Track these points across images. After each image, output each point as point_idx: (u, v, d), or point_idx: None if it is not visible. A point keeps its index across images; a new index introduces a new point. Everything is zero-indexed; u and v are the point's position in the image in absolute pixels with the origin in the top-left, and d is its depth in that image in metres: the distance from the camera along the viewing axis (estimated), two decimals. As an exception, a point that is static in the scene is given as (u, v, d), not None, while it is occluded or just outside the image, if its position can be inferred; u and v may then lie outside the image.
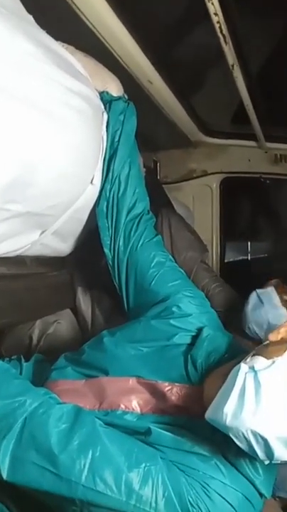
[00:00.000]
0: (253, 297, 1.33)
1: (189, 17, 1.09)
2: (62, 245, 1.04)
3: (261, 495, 0.68)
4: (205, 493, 0.62)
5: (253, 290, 1.39)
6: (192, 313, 0.85)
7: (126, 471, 0.60)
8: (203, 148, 2.08)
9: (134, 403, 0.74)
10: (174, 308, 0.85)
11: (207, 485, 0.63)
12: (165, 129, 1.79)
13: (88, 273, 1.16)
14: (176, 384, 0.75)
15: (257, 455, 0.61)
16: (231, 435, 0.61)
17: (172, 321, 0.83)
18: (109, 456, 0.61)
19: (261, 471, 0.67)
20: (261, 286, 1.52)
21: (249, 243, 2.47)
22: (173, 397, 0.73)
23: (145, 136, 1.88)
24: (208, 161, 2.15)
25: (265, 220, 2.47)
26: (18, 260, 0.96)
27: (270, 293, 1.33)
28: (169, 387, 0.75)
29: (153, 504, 0.59)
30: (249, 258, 2.49)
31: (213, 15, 0.97)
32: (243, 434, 0.59)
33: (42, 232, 0.92)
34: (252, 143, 1.93)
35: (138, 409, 0.74)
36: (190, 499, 0.61)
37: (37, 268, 1.02)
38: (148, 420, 0.71)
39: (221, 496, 0.63)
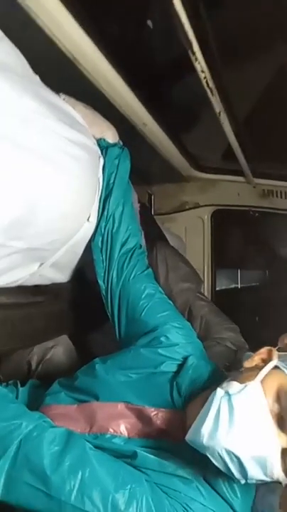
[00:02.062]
0: None
1: (179, 71, 1.20)
2: (59, 276, 1.11)
3: None
4: None
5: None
6: (179, 342, 0.89)
7: (113, 492, 0.64)
8: (195, 182, 2.19)
9: (122, 427, 0.78)
10: (162, 338, 0.89)
11: (188, 506, 0.67)
12: (159, 165, 1.90)
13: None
14: (161, 409, 0.79)
15: (233, 474, 0.66)
16: (208, 455, 0.67)
17: (160, 350, 0.87)
18: (97, 478, 0.65)
19: (238, 493, 0.72)
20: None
21: (239, 272, 2.55)
22: (159, 422, 0.77)
23: (140, 171, 1.99)
24: (200, 194, 2.26)
25: (254, 251, 2.56)
26: (16, 290, 1.03)
27: None
28: (155, 412, 0.79)
29: None
30: (239, 286, 2.56)
31: (200, 72, 1.08)
32: (218, 453, 0.65)
33: (41, 265, 0.99)
34: (241, 178, 2.04)
35: (125, 433, 0.77)
36: None
37: (34, 297, 1.08)
38: (134, 444, 0.75)
39: None
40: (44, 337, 1.16)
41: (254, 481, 0.68)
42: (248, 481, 0.67)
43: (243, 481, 0.68)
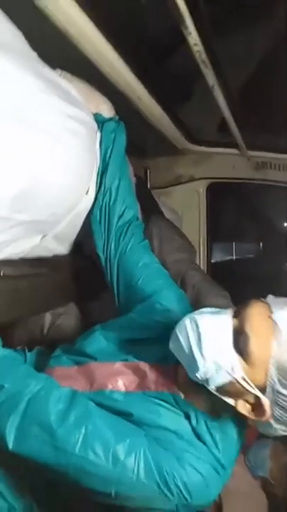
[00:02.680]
0: None
1: (172, 45, 1.22)
2: (59, 248, 1.16)
3: (223, 467, 0.78)
4: (179, 464, 0.73)
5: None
6: (173, 308, 0.95)
7: (114, 443, 0.71)
8: (190, 155, 2.20)
9: (120, 383, 0.83)
10: (157, 305, 0.96)
11: (181, 457, 0.74)
12: (154, 138, 1.92)
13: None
14: (156, 364, 0.85)
15: (192, 351, 0.72)
16: (176, 329, 0.75)
17: (155, 316, 0.93)
18: (99, 431, 0.72)
19: (220, 447, 0.78)
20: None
21: (234, 244, 2.60)
22: (154, 375, 0.83)
23: (136, 145, 2.00)
24: (195, 167, 2.28)
25: (249, 223, 2.61)
26: (20, 262, 1.08)
27: None
28: (149, 367, 0.84)
29: (136, 471, 0.71)
30: (234, 258, 2.63)
31: (193, 45, 1.10)
32: (185, 323, 0.75)
33: (43, 237, 1.04)
34: (235, 151, 2.06)
35: (123, 388, 0.83)
36: (167, 469, 0.72)
37: (38, 269, 1.14)
38: (132, 397, 0.81)
39: (193, 467, 0.74)
40: (50, 305, 1.22)
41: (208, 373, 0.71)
42: (205, 368, 0.71)
43: (200, 364, 0.71)
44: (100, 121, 1.06)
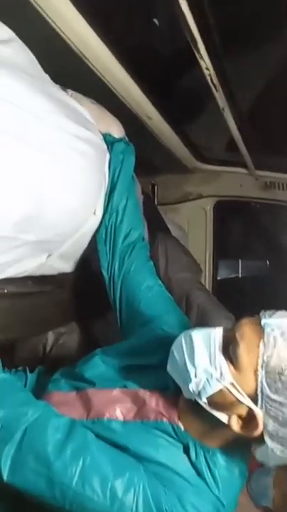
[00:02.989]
0: None
1: (184, 67, 1.23)
2: (65, 266, 1.16)
3: (224, 506, 0.74)
4: (180, 502, 0.70)
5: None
6: (174, 334, 0.90)
7: (112, 478, 0.68)
8: (198, 173, 2.21)
9: (117, 411, 0.80)
10: (158, 330, 0.93)
11: (181, 496, 0.70)
12: (163, 156, 1.92)
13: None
14: (156, 392, 0.82)
15: (185, 361, 0.72)
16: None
17: (155, 342, 0.91)
18: (97, 465, 0.69)
19: (220, 485, 0.74)
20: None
21: (240, 262, 2.58)
22: (153, 403, 0.80)
23: (145, 162, 2.01)
24: (203, 185, 2.28)
25: (255, 241, 2.60)
26: (24, 280, 1.07)
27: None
28: (149, 394, 0.81)
29: (134, 509, 0.67)
30: (240, 276, 2.61)
31: (205, 69, 1.10)
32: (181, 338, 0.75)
33: (49, 256, 1.04)
34: (243, 170, 2.06)
35: (121, 417, 0.79)
36: (166, 507, 0.68)
37: (41, 287, 1.13)
38: (130, 427, 0.78)
39: (194, 507, 0.70)
40: (51, 325, 1.21)
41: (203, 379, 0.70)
42: (196, 378, 0.70)
43: (193, 374, 0.70)
44: (110, 141, 1.07)
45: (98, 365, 0.91)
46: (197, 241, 2.36)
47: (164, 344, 0.88)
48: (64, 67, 1.12)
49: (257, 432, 0.68)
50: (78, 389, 0.87)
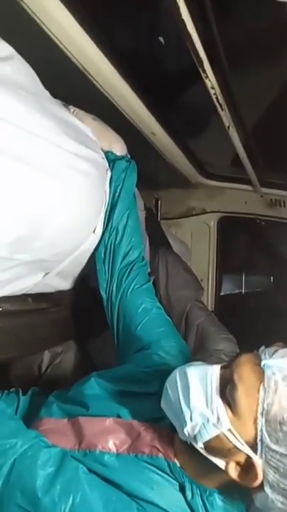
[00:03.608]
0: None
1: (189, 86, 1.21)
2: (63, 284, 1.13)
3: None
4: None
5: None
6: (170, 360, 0.89)
7: None
8: (202, 188, 2.19)
9: (110, 443, 0.76)
10: (155, 357, 0.90)
11: None
12: (167, 170, 1.91)
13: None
14: (151, 425, 0.78)
15: (179, 402, 0.68)
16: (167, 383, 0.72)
17: (151, 370, 0.87)
18: (88, 503, 0.66)
19: None
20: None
21: (243, 278, 2.55)
22: (148, 437, 0.76)
23: (148, 176, 2.00)
24: (207, 200, 2.27)
25: (259, 258, 2.56)
26: (20, 297, 1.05)
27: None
28: (144, 428, 0.78)
29: None
30: (243, 292, 2.57)
31: (210, 88, 1.09)
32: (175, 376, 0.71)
33: (46, 274, 1.01)
34: (248, 187, 2.03)
35: (114, 450, 0.76)
36: None
37: (38, 304, 1.10)
38: (124, 461, 0.74)
39: None
40: (48, 344, 1.18)
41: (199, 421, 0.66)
42: (192, 417, 0.66)
43: (188, 417, 0.66)
44: (111, 159, 1.05)
45: (93, 389, 0.87)
46: (201, 256, 2.34)
47: (160, 371, 0.85)
48: (67, 84, 1.11)
49: (256, 483, 0.64)
50: (70, 415, 0.84)
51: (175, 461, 0.73)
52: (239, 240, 2.48)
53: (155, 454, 0.74)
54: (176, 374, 0.71)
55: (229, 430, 0.64)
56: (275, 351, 0.67)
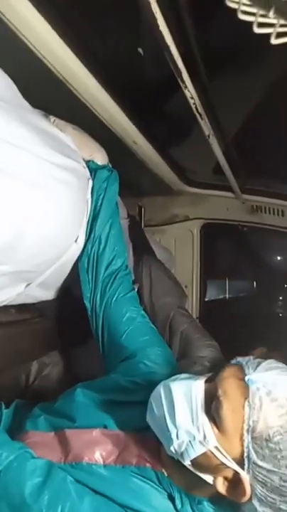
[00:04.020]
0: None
1: (169, 96, 1.23)
2: (45, 294, 1.12)
3: None
4: None
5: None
6: (156, 369, 0.89)
7: None
8: (185, 196, 2.21)
9: (97, 455, 0.75)
10: (140, 365, 0.90)
11: None
12: (150, 178, 1.92)
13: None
14: (138, 434, 0.77)
15: (165, 418, 0.68)
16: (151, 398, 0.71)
17: (137, 379, 0.87)
18: None
19: None
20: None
21: (227, 284, 2.58)
22: (135, 447, 0.76)
23: (131, 184, 2.01)
24: (190, 207, 2.29)
25: (242, 264, 2.60)
26: (3, 309, 1.03)
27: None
28: (131, 438, 0.77)
29: None
30: (227, 297, 2.60)
31: (190, 98, 1.10)
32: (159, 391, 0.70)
33: (28, 285, 1.00)
34: (230, 194, 2.06)
35: (101, 461, 0.75)
36: None
37: (20, 315, 1.09)
38: (111, 472, 0.74)
39: None
40: (31, 355, 1.17)
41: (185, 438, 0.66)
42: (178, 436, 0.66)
43: (174, 435, 0.66)
44: (93, 168, 1.05)
45: (79, 400, 0.86)
46: (184, 262, 2.35)
47: (146, 380, 0.85)
48: (47, 94, 1.11)
49: (245, 498, 0.64)
50: (57, 428, 0.82)
51: (163, 471, 0.73)
52: (222, 246, 2.50)
53: (142, 465, 0.74)
54: (160, 389, 0.71)
55: (216, 447, 0.64)
56: (259, 364, 0.67)
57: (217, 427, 0.64)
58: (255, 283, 2.67)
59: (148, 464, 0.74)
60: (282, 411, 0.61)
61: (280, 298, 2.75)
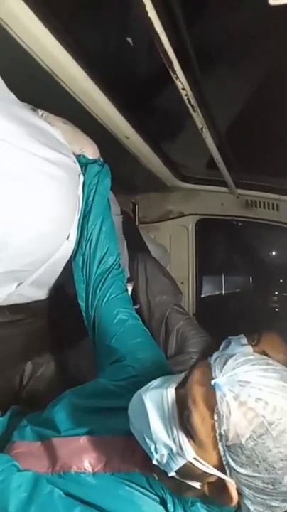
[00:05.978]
0: (224, 342, 1.40)
1: (161, 88, 1.20)
2: (38, 293, 1.09)
3: None
4: None
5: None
6: (145, 372, 0.86)
7: None
8: (179, 192, 2.19)
9: (86, 463, 0.73)
10: (129, 368, 0.87)
11: None
12: (143, 174, 1.89)
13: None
14: (126, 439, 0.74)
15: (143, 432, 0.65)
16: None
17: (124, 381, 0.84)
18: None
19: None
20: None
21: (223, 279, 2.57)
22: (123, 454, 0.73)
23: (125, 181, 1.98)
24: (184, 203, 2.27)
25: (237, 259, 2.59)
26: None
27: (240, 337, 1.40)
28: (118, 443, 0.74)
29: None
30: (223, 293, 2.59)
31: (181, 90, 1.07)
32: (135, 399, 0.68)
33: (19, 284, 0.97)
34: (224, 189, 2.04)
35: (89, 469, 0.72)
36: None
37: (13, 316, 1.06)
38: (101, 480, 0.71)
39: None
40: (25, 356, 1.14)
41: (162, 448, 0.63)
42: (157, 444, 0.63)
43: (153, 448, 0.64)
44: (83, 163, 1.02)
45: (66, 408, 0.83)
46: (180, 259, 2.34)
47: (133, 384, 0.81)
48: (35, 88, 1.08)
49: (233, 503, 0.62)
50: (43, 437, 0.79)
51: (153, 474, 0.70)
52: (217, 241, 2.49)
53: (131, 470, 0.71)
54: (135, 401, 0.68)
55: (195, 458, 0.61)
56: (226, 362, 0.63)
57: (192, 439, 0.61)
58: (251, 278, 2.67)
59: (137, 469, 0.71)
60: (252, 414, 0.57)
61: (276, 293, 2.75)
